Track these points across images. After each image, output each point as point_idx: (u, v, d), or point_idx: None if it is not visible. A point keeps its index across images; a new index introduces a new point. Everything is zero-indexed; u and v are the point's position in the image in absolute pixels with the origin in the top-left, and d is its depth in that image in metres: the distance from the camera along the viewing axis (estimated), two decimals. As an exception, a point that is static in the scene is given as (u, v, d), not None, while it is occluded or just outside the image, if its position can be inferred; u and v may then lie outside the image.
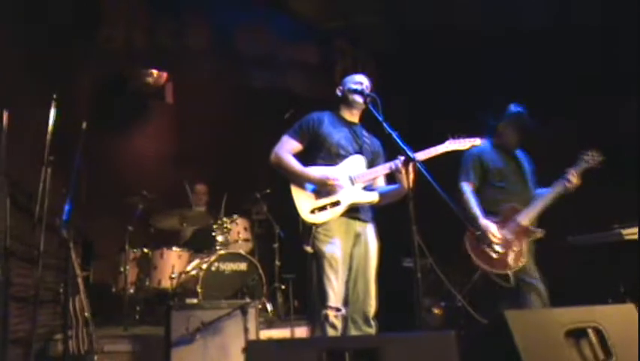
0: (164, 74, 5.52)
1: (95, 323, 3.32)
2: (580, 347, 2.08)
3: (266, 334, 3.93)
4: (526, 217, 3.34)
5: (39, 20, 4.03)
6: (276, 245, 5.17)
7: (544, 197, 3.37)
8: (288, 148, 2.97)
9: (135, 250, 4.75)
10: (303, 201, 2.84)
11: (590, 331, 2.10)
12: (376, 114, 2.67)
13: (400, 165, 2.73)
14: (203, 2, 5.56)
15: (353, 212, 2.91)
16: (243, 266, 4.51)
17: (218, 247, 4.68)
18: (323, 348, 1.84)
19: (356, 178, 2.91)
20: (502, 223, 3.37)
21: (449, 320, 4.30)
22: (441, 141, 2.97)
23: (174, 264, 4.63)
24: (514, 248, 3.29)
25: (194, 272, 4.45)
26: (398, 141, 2.52)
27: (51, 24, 4.21)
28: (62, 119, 3.23)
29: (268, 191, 5.12)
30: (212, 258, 4.40)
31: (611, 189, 3.55)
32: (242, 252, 4.66)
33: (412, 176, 2.50)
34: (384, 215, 3.11)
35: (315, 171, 2.88)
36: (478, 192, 3.49)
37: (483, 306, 3.08)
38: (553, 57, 4.38)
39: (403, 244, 2.45)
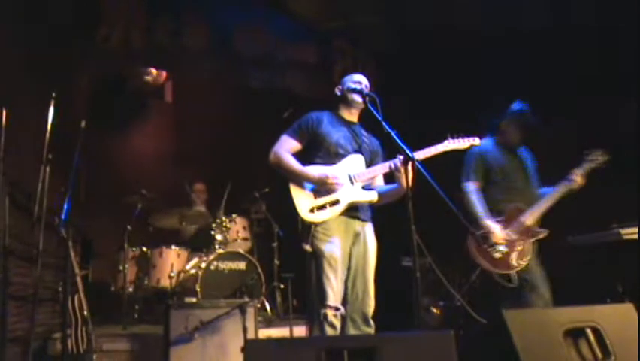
0: (164, 73, 5.51)
1: (94, 322, 3.32)
2: (578, 346, 2.08)
3: (265, 333, 3.93)
4: (530, 217, 3.33)
5: (39, 20, 4.04)
6: (275, 244, 5.17)
7: (549, 197, 3.35)
8: (287, 147, 2.97)
9: (134, 249, 4.75)
10: (303, 200, 2.84)
11: (588, 330, 2.10)
12: (375, 113, 2.67)
13: (399, 165, 2.74)
14: (202, 2, 5.55)
15: (352, 211, 2.91)
16: (241, 265, 4.51)
17: (217, 246, 4.68)
18: (322, 347, 1.84)
19: (355, 177, 2.91)
20: (505, 223, 3.35)
21: (448, 319, 4.30)
22: (440, 141, 2.97)
23: (173, 263, 4.63)
24: (518, 248, 3.28)
25: (193, 271, 4.45)
26: (397, 140, 2.52)
27: (51, 24, 4.21)
28: (61, 118, 3.23)
29: (267, 190, 5.13)
30: (211, 257, 4.40)
31: (611, 189, 3.54)
32: (241, 251, 4.66)
33: (410, 175, 2.50)
34: (383, 214, 3.11)
35: (315, 170, 2.88)
36: (482, 191, 3.47)
37: (482, 306, 3.08)
38: (553, 57, 4.38)
39: (401, 243, 2.44)
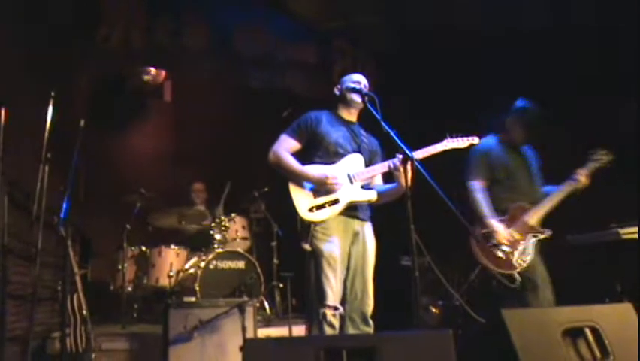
0: (163, 72, 5.50)
1: (93, 321, 3.32)
2: (577, 346, 2.08)
3: (264, 332, 3.93)
4: (533, 216, 3.32)
5: (39, 20, 4.04)
6: (274, 243, 5.16)
7: (553, 196, 3.34)
8: (286, 147, 2.97)
9: (133, 248, 4.75)
10: (302, 200, 2.84)
11: (587, 330, 2.10)
12: (375, 113, 2.68)
13: (398, 164, 2.74)
14: (202, 2, 5.56)
15: (351, 210, 2.91)
16: (241, 264, 4.51)
17: (216, 246, 4.67)
18: (321, 347, 1.84)
19: (354, 177, 2.91)
20: (509, 222, 3.34)
21: (447, 318, 4.29)
22: (439, 140, 2.97)
23: (172, 262, 4.63)
24: (520, 247, 3.28)
25: (192, 270, 4.45)
26: (396, 139, 2.52)
27: (51, 24, 4.22)
28: (60, 117, 3.23)
29: (266, 189, 5.12)
30: (210, 256, 4.40)
31: (611, 189, 3.54)
32: (240, 250, 4.66)
33: (410, 174, 2.50)
34: (382, 214, 3.11)
35: (314, 170, 2.88)
36: (486, 190, 3.45)
37: (481, 305, 3.08)
38: (553, 57, 4.38)
39: (400, 242, 2.44)
